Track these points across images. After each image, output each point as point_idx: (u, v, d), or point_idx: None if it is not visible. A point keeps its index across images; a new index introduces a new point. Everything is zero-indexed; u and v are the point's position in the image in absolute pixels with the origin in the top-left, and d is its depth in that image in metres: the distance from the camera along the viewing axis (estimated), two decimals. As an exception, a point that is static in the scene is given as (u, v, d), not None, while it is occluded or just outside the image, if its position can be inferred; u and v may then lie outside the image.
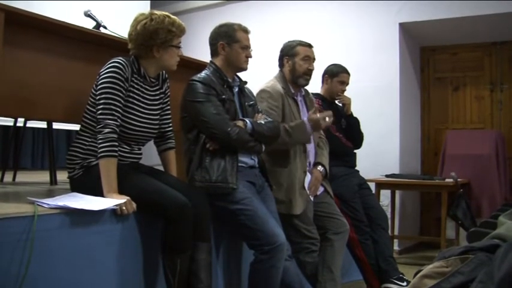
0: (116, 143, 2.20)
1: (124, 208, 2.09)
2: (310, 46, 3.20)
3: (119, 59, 2.27)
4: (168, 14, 2.35)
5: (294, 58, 3.13)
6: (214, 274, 2.53)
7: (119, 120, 2.22)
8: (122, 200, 2.09)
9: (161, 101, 2.48)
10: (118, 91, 2.22)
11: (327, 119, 2.96)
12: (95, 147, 2.21)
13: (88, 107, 2.30)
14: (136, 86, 2.32)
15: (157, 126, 2.46)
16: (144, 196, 2.17)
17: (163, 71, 2.50)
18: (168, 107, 2.56)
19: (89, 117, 2.29)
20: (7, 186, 3.31)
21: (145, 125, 2.36)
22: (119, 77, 2.22)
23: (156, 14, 2.32)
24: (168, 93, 2.55)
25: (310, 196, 3.07)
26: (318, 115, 2.94)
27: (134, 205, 2.14)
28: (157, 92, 2.45)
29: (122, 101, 2.24)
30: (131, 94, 2.29)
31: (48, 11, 2.67)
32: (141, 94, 2.34)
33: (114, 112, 2.20)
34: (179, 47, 2.40)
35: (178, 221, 2.15)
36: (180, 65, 2.41)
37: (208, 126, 2.50)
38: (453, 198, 4.65)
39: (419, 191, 5.49)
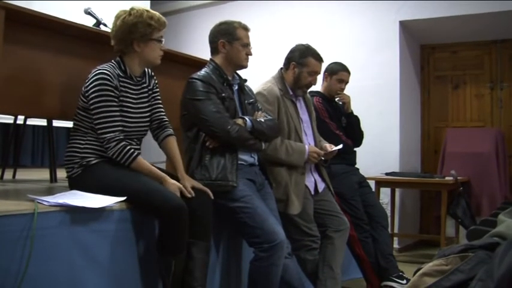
0: (128, 146, 2.23)
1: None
2: (321, 61, 3.14)
3: (103, 69, 2.25)
4: (148, 9, 2.35)
5: (302, 68, 3.07)
6: (213, 272, 2.54)
7: (119, 127, 2.23)
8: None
9: (149, 98, 2.47)
10: (111, 101, 2.22)
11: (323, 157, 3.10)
12: (93, 146, 2.24)
13: (78, 111, 2.30)
14: (124, 89, 2.31)
15: (148, 123, 2.45)
16: (140, 196, 2.17)
17: (149, 69, 2.49)
18: (159, 100, 2.52)
19: (78, 118, 2.30)
20: (7, 184, 3.32)
21: (136, 123, 2.36)
22: (109, 87, 2.21)
23: (135, 8, 2.32)
24: (156, 89, 2.52)
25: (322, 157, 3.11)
26: (321, 154, 3.06)
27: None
28: (145, 90, 2.44)
29: (117, 109, 2.24)
30: (120, 98, 2.28)
31: (48, 9, 2.67)
32: (129, 95, 2.33)
33: (113, 124, 2.21)
34: (160, 41, 2.38)
35: (174, 222, 2.15)
36: (179, 62, 2.41)
37: (208, 124, 2.50)
38: (453, 197, 4.66)
39: (419, 189, 5.48)
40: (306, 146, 3.03)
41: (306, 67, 3.07)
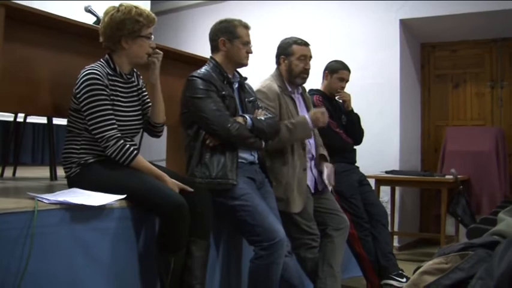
0: (127, 144, 2.22)
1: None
2: (306, 44, 3.15)
3: (92, 68, 2.23)
4: (137, 5, 2.32)
5: (290, 57, 3.10)
6: (213, 271, 2.54)
7: (115, 124, 2.22)
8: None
9: (140, 96, 2.47)
10: (103, 100, 2.20)
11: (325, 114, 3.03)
12: (89, 146, 2.24)
13: (71, 112, 2.28)
14: (113, 87, 2.30)
15: (141, 120, 2.45)
16: (140, 194, 2.17)
17: (136, 70, 2.47)
18: (148, 98, 2.53)
19: (71, 120, 2.30)
20: (7, 182, 3.32)
21: (128, 121, 2.35)
22: (99, 87, 2.20)
23: (124, 5, 2.30)
24: (144, 88, 2.52)
25: (330, 186, 3.10)
26: (316, 110, 3.01)
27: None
28: (135, 89, 2.44)
29: (110, 107, 2.23)
30: (112, 96, 2.28)
31: (48, 7, 2.67)
32: (119, 94, 2.33)
33: (109, 122, 2.20)
34: (149, 38, 2.36)
35: (174, 221, 2.15)
36: (180, 60, 2.40)
37: (208, 122, 2.50)
38: (453, 195, 4.66)
39: (419, 187, 5.49)
40: (306, 115, 3.02)
41: (293, 55, 3.10)
